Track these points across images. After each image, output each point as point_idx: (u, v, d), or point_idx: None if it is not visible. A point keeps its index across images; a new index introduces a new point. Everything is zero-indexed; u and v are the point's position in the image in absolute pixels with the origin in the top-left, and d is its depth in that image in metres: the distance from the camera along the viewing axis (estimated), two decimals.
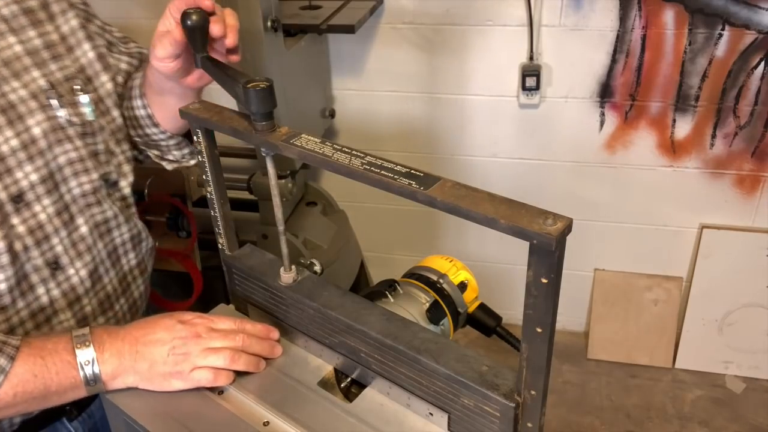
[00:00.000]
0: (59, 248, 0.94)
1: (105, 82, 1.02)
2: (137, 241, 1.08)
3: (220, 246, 0.95)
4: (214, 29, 0.85)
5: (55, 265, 0.94)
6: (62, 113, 0.94)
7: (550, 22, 2.01)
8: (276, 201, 0.84)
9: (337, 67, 2.24)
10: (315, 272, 0.93)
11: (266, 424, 0.79)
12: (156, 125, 1.06)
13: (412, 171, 0.66)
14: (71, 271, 0.96)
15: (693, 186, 2.19)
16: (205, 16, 0.84)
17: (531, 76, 2.07)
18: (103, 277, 1.01)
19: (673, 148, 2.14)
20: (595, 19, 1.98)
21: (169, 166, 1.15)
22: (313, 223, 2.18)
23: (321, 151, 0.71)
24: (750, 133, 2.07)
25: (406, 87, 2.22)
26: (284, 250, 0.87)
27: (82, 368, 0.81)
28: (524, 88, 2.09)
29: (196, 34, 0.85)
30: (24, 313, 0.91)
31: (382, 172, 0.66)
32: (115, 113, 1.04)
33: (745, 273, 2.24)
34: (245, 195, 2.01)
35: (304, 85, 2.03)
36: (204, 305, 1.34)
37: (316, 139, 0.73)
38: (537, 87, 2.08)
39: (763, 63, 1.95)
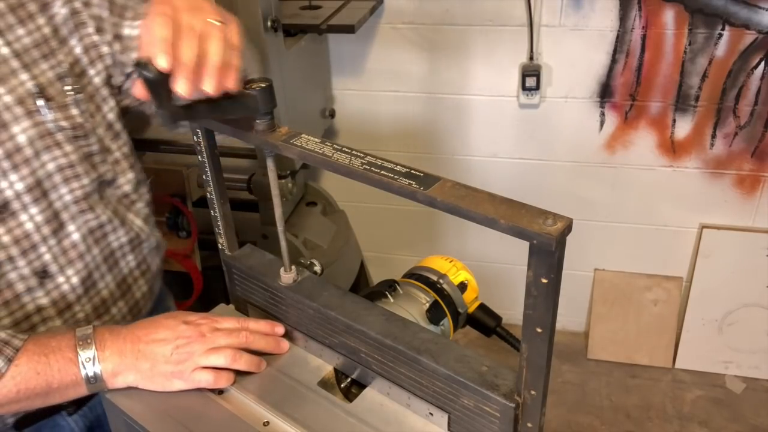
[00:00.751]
0: (47, 257, 0.91)
1: (93, 76, 0.97)
2: (137, 242, 1.05)
3: (220, 246, 0.95)
4: (179, 88, 0.67)
5: (43, 274, 0.91)
6: (50, 117, 0.89)
7: (550, 22, 2.01)
8: (276, 201, 0.84)
9: (337, 67, 2.24)
10: (315, 272, 0.93)
11: (266, 424, 0.79)
12: None
13: (412, 171, 0.66)
14: (61, 279, 0.93)
15: (693, 186, 2.19)
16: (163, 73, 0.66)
17: (531, 76, 2.06)
18: (98, 282, 0.98)
19: (673, 148, 2.14)
20: (595, 19, 1.98)
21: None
22: (313, 223, 2.18)
23: (321, 151, 0.71)
24: (750, 133, 2.07)
25: (406, 87, 2.22)
26: (284, 250, 0.87)
27: (83, 366, 0.81)
28: (524, 88, 2.09)
29: (157, 89, 0.66)
30: (6, 321, 0.89)
31: (382, 172, 0.66)
32: (106, 108, 0.99)
33: (745, 273, 2.24)
34: (245, 195, 2.01)
35: (304, 85, 2.03)
36: (204, 305, 1.34)
37: (316, 139, 0.73)
38: (537, 87, 2.08)
39: (763, 63, 1.95)
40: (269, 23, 1.69)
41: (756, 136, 2.07)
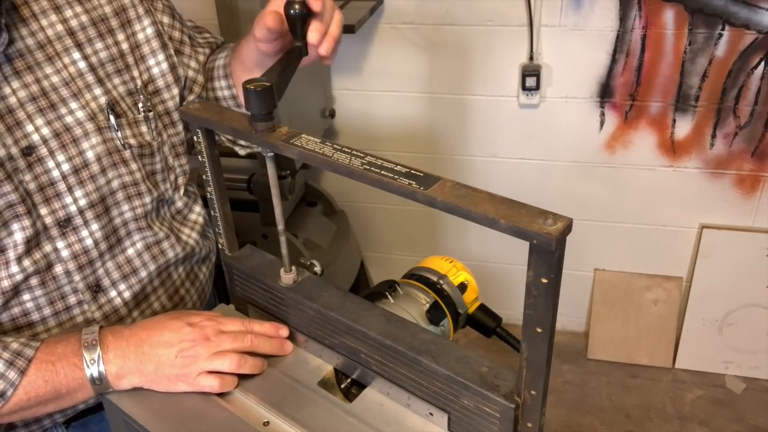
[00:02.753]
0: (101, 271, 0.92)
1: (176, 95, 1.00)
2: (190, 256, 1.05)
3: (220, 246, 0.95)
4: (311, 36, 0.84)
5: (96, 288, 0.92)
6: (120, 135, 0.90)
7: (550, 22, 2.01)
8: (276, 201, 0.84)
9: (337, 67, 2.23)
10: (315, 273, 0.93)
11: (266, 424, 0.79)
12: (238, 106, 1.05)
13: (412, 171, 0.66)
14: (113, 293, 0.94)
15: (693, 186, 2.19)
16: (306, 10, 0.83)
17: (531, 76, 2.06)
18: (150, 296, 0.99)
19: (673, 148, 2.14)
20: (595, 19, 1.98)
21: (242, 152, 1.13)
22: (313, 223, 2.18)
23: (321, 151, 0.71)
24: (750, 133, 2.07)
25: (406, 87, 2.22)
26: (284, 250, 0.87)
27: (88, 368, 0.81)
28: (524, 88, 2.09)
29: (296, 25, 0.85)
30: (55, 332, 0.90)
31: (382, 172, 0.66)
32: (180, 126, 1.02)
33: (745, 273, 2.24)
34: (245, 195, 2.01)
35: (304, 85, 2.02)
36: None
37: (316, 139, 0.73)
38: (537, 87, 2.08)
39: (763, 63, 1.95)
40: None
41: (756, 136, 2.07)
